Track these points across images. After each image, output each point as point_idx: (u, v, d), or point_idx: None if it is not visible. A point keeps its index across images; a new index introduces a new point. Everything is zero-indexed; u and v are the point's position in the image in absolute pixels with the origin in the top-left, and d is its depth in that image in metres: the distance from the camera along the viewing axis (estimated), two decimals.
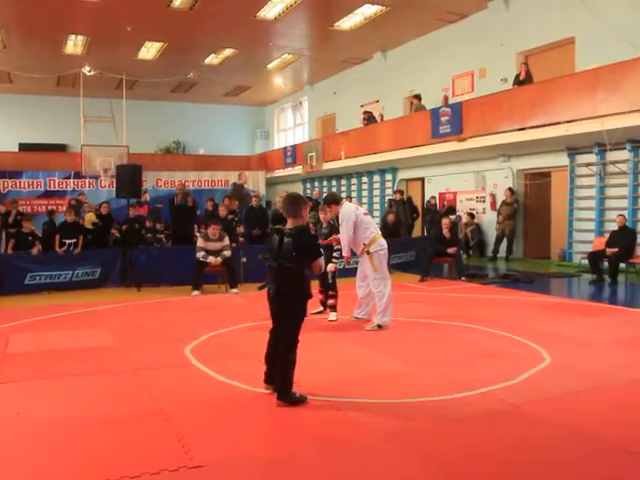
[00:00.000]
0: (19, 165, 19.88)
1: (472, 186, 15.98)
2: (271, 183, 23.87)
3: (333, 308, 7.39)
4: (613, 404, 4.23)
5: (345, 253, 7.01)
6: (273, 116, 27.98)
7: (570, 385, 4.62)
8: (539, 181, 14.55)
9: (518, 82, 13.44)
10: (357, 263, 7.36)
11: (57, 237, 10.51)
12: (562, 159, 13.33)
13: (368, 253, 6.93)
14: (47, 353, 5.95)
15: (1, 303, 9.03)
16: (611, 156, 12.12)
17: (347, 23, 16.28)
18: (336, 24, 16.35)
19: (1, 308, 8.63)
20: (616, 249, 10.35)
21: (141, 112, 23.42)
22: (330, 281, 7.40)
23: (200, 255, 9.76)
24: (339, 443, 3.54)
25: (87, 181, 19.87)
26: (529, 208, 14.71)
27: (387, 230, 12.70)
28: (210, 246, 9.85)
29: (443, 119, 14.10)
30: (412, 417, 4.00)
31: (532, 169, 14.54)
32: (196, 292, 9.75)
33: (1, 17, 15.41)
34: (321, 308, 7.63)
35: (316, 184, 22.55)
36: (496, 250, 14.62)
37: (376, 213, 18.50)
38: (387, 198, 18.15)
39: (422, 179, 18.04)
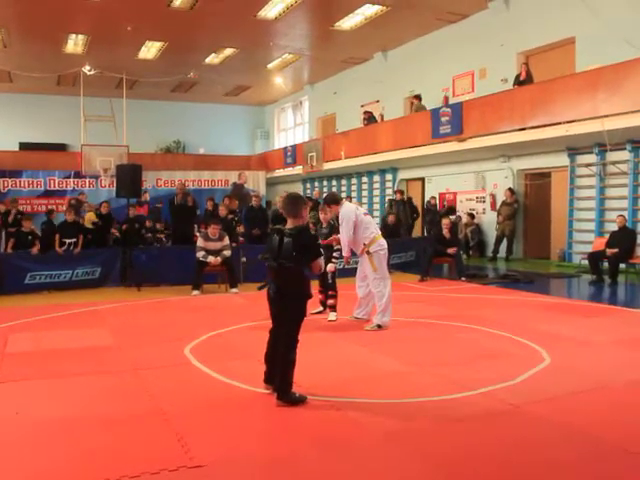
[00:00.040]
0: (19, 164, 19.89)
1: (472, 186, 15.98)
2: (271, 183, 23.87)
3: (333, 308, 7.38)
4: (613, 404, 4.23)
5: (345, 253, 7.01)
6: (273, 116, 27.98)
7: (570, 385, 4.62)
8: (539, 181, 14.55)
9: (518, 82, 13.44)
10: (357, 263, 7.35)
11: (57, 236, 10.51)
12: (562, 159, 13.33)
13: (368, 253, 6.92)
14: (47, 353, 5.94)
15: (1, 302, 9.02)
16: (611, 156, 12.13)
17: (347, 23, 16.28)
18: (336, 24, 16.35)
19: (1, 307, 8.62)
20: (616, 249, 10.35)
21: (141, 112, 23.43)
22: (330, 281, 7.40)
23: (200, 255, 9.75)
24: (339, 443, 3.54)
25: (87, 181, 19.88)
26: (529, 208, 14.71)
27: (387, 230, 12.70)
28: (210, 246, 9.85)
29: (443, 119, 14.10)
30: (412, 417, 4.00)
31: (532, 169, 14.54)
32: (196, 292, 9.75)
33: (1, 16, 15.42)
34: (321, 308, 7.63)
35: (316, 184, 22.55)
36: (496, 250, 14.62)
37: (376, 213, 18.50)
38: (387, 198, 18.16)
39: (422, 179, 18.04)
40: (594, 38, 12.29)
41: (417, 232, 16.44)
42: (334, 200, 7.33)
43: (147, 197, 16.21)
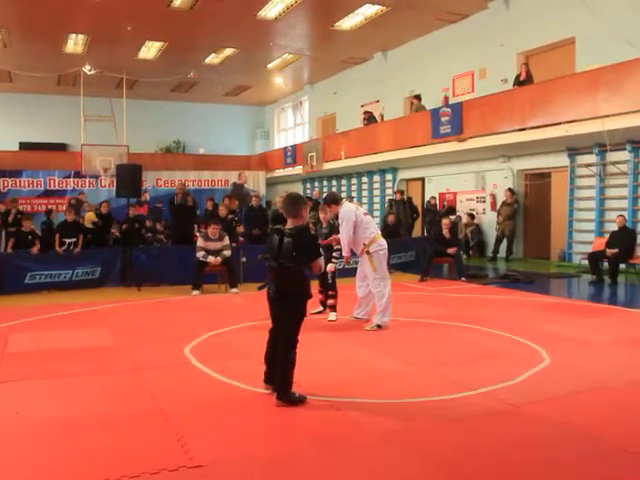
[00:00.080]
0: (19, 164, 19.91)
1: (472, 186, 15.98)
2: (271, 183, 23.87)
3: (333, 308, 7.38)
4: (613, 404, 4.23)
5: (345, 253, 7.01)
6: (273, 116, 27.98)
7: (570, 385, 4.62)
8: (539, 181, 14.55)
9: (518, 82, 13.44)
10: (357, 263, 7.35)
11: (57, 236, 10.51)
12: (562, 159, 13.33)
13: (368, 253, 6.92)
14: (47, 352, 5.94)
15: (1, 302, 9.02)
16: (611, 157, 12.13)
17: (347, 23, 16.28)
18: (336, 24, 16.35)
19: (1, 307, 8.62)
20: (616, 250, 10.35)
21: (141, 111, 23.43)
22: (330, 281, 7.40)
23: (200, 255, 9.75)
24: (338, 443, 3.54)
25: (87, 180, 19.89)
26: (529, 208, 14.71)
27: (387, 230, 12.70)
28: (210, 246, 9.85)
29: (443, 119, 14.11)
30: (412, 417, 4.00)
31: (532, 169, 14.54)
32: (196, 292, 9.75)
33: (1, 16, 15.42)
34: (321, 308, 7.63)
35: (316, 184, 22.55)
36: (496, 250, 14.62)
37: (376, 213, 18.51)
38: (387, 198, 18.16)
39: (422, 179, 18.04)
40: (594, 38, 12.29)
41: (417, 232, 16.44)
42: (334, 200, 7.33)
43: (147, 197, 16.22)
